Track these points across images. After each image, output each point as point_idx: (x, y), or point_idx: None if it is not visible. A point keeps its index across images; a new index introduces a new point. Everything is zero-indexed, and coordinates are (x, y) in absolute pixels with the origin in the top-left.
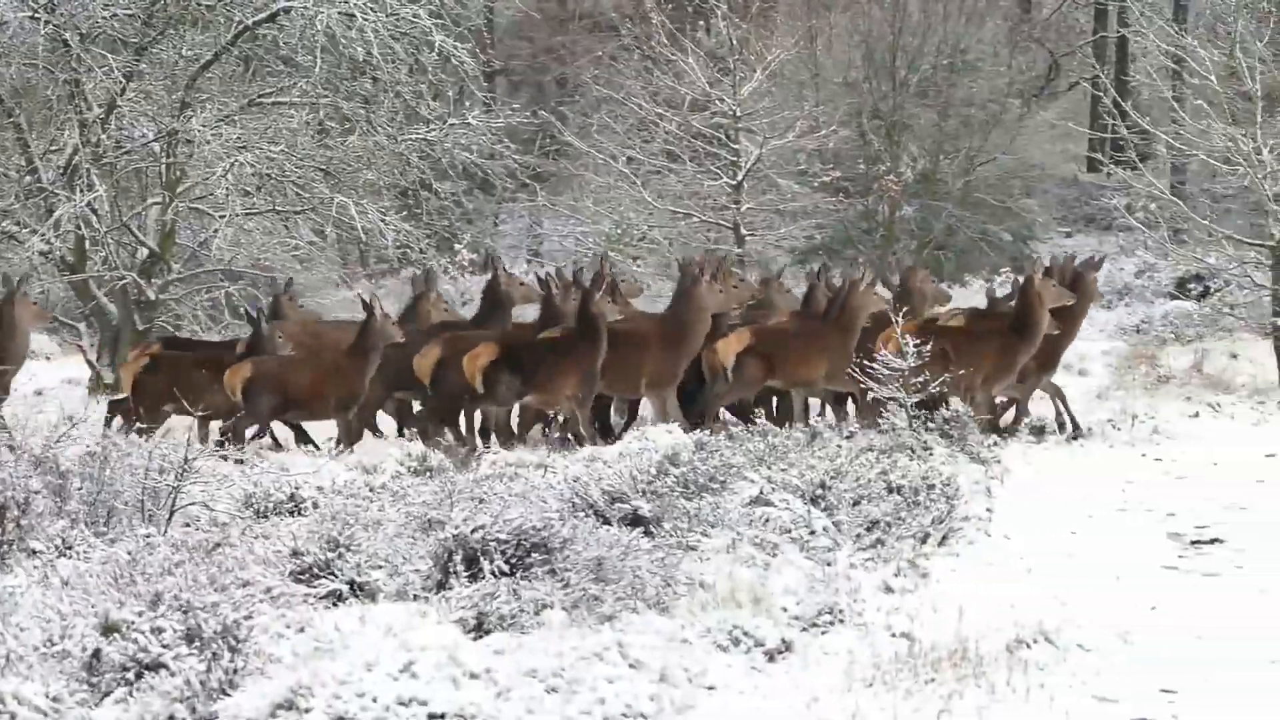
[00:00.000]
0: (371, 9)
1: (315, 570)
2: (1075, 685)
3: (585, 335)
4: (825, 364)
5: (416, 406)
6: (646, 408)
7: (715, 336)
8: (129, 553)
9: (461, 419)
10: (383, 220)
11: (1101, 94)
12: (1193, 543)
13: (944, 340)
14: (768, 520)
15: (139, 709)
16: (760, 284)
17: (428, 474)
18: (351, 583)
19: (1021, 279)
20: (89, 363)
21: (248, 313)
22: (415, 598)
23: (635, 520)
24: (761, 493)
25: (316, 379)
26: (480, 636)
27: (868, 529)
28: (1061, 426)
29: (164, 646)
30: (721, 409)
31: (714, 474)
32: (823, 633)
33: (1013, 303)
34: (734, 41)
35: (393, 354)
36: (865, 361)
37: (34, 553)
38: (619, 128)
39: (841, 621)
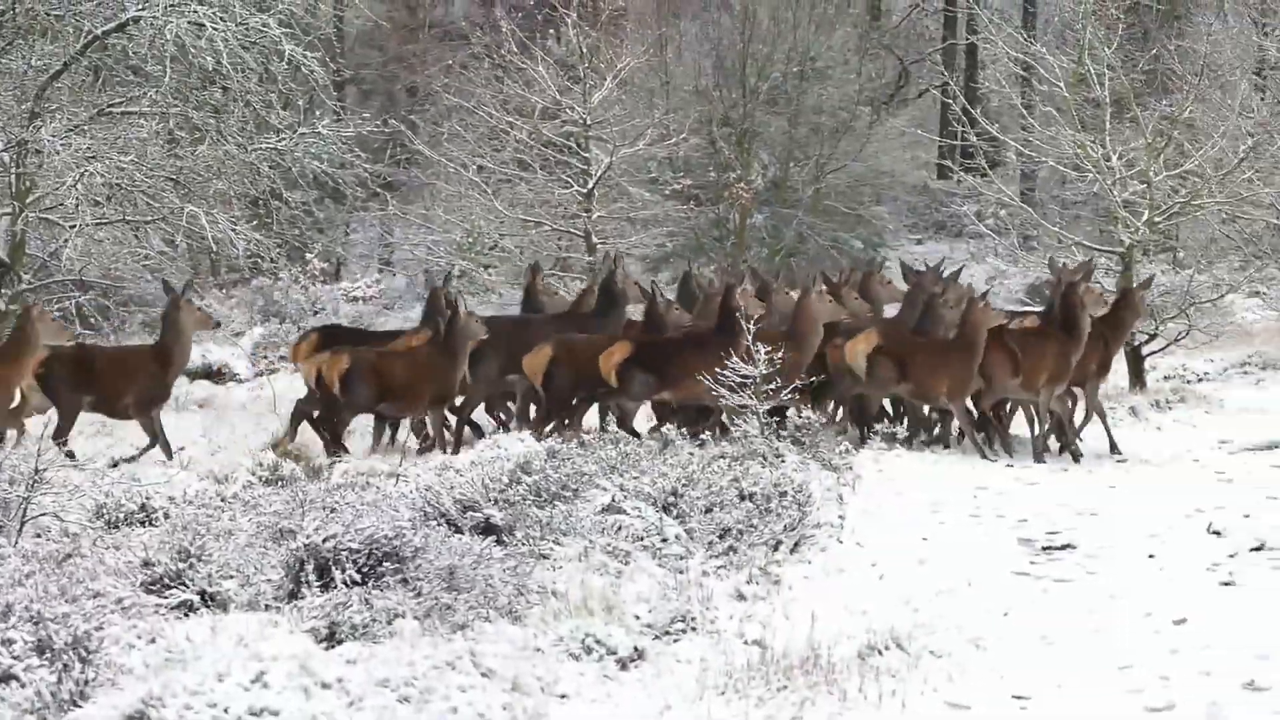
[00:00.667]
0: (221, 19)
1: (166, 580)
2: (927, 692)
3: (725, 330)
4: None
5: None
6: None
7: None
8: None
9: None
10: (233, 230)
11: (951, 101)
12: (1044, 548)
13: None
14: (620, 528)
15: None
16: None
17: (279, 483)
18: (203, 593)
19: (1063, 285)
20: None
21: (437, 298)
22: (267, 608)
23: (488, 529)
24: (614, 500)
25: (411, 374)
26: (332, 646)
27: (720, 536)
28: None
29: (14, 658)
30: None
31: (566, 482)
32: (675, 640)
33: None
34: (584, 50)
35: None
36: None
37: None
38: (470, 136)
39: (694, 629)
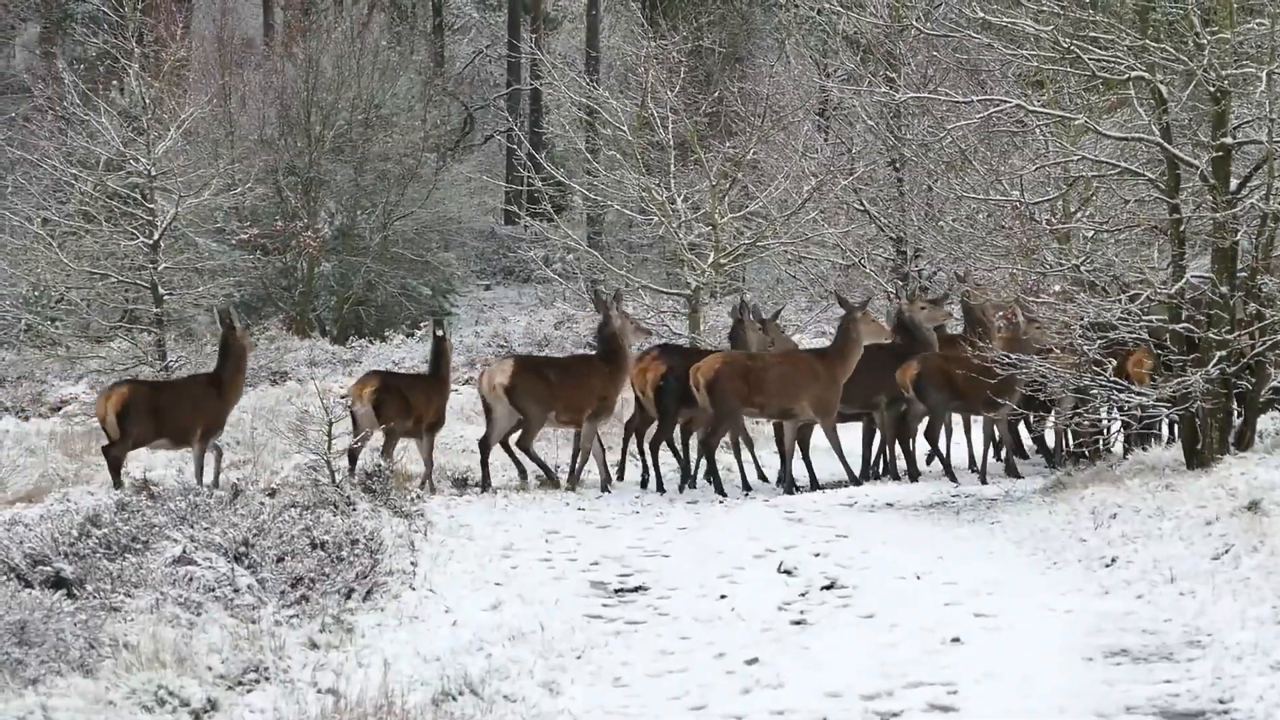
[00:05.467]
0: None
1: None
2: None
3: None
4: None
5: None
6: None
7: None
8: None
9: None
10: None
11: (516, 147)
12: (616, 591)
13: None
14: (191, 579)
15: None
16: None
17: None
18: None
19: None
20: None
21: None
22: None
23: (58, 582)
24: (185, 552)
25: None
26: None
27: (292, 585)
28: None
29: None
30: None
31: (136, 534)
32: (248, 691)
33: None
34: (147, 100)
35: None
36: None
37: None
38: (34, 189)
39: (267, 679)
